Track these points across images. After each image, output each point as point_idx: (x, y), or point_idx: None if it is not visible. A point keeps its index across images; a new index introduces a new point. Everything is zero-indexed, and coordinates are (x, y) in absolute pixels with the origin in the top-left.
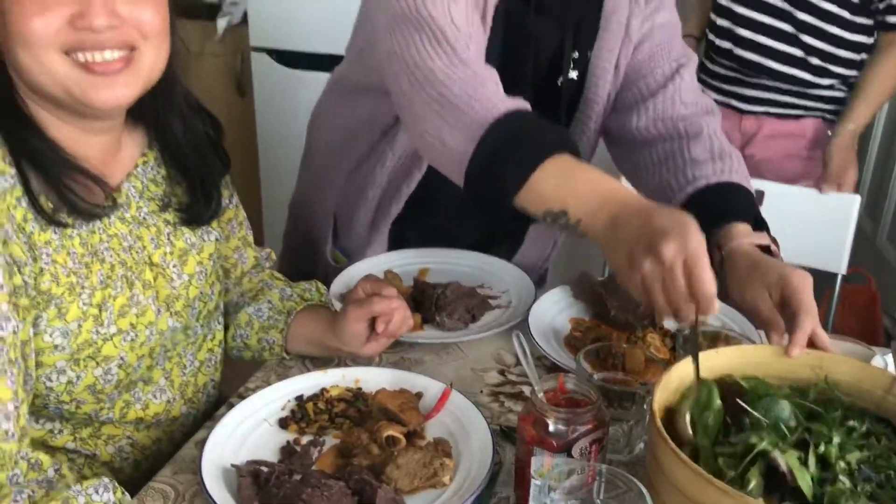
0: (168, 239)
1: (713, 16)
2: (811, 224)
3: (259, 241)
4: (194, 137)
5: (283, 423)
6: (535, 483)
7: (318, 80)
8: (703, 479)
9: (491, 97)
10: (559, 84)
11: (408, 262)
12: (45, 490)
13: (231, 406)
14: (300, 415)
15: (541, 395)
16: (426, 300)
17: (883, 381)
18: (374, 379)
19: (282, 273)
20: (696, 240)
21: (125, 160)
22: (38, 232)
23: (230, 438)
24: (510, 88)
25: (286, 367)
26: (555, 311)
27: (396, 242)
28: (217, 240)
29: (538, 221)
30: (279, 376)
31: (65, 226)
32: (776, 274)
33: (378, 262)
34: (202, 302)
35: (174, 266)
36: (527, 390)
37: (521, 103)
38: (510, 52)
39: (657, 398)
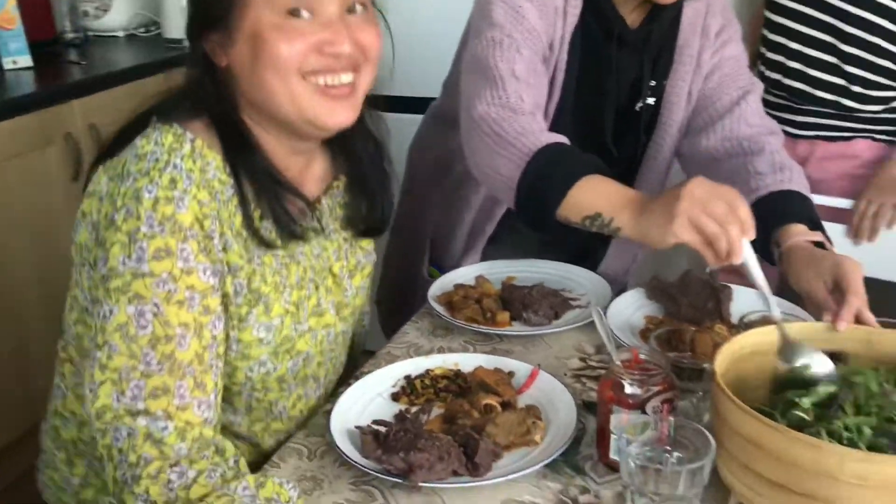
0: (346, 254)
1: (763, 49)
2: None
3: None
4: (374, 161)
5: (395, 397)
6: (614, 438)
7: (414, 123)
8: (751, 416)
9: (536, 133)
10: (638, 109)
11: (497, 270)
12: (233, 472)
13: (349, 385)
14: (409, 389)
15: (618, 362)
16: (514, 299)
17: None
18: (470, 362)
19: (380, 292)
20: (710, 182)
21: (316, 177)
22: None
23: (352, 408)
24: (594, 112)
25: (394, 357)
26: (631, 310)
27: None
28: (373, 263)
29: (581, 230)
30: (388, 363)
31: (276, 248)
32: (829, 263)
33: (471, 270)
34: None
35: (348, 278)
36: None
37: (561, 138)
38: (592, 77)
39: (718, 361)
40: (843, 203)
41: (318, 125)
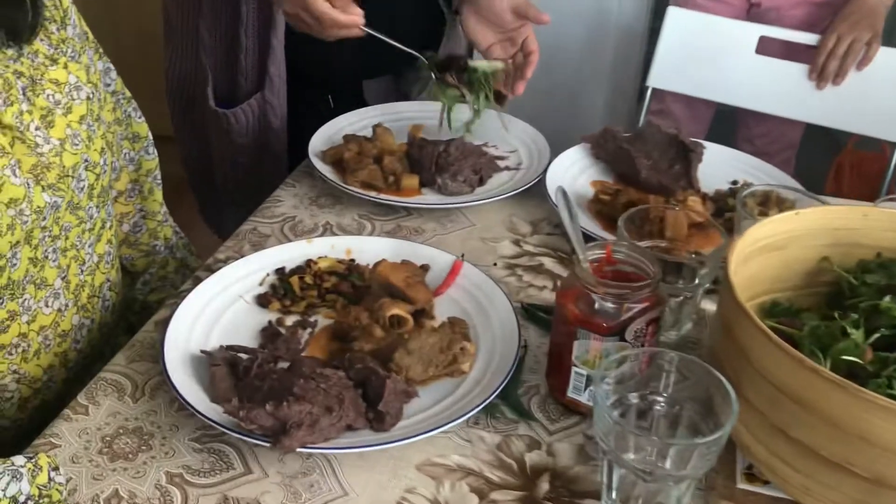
0: (23, 94)
1: None
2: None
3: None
4: None
5: (263, 301)
6: (577, 371)
7: None
8: (803, 366)
9: None
10: None
11: (397, 116)
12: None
13: (199, 281)
14: (283, 290)
15: (586, 265)
16: (425, 159)
17: None
18: (369, 248)
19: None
20: None
21: None
22: None
23: (199, 319)
24: None
25: (262, 236)
26: (574, 172)
27: (299, 80)
28: (89, 98)
29: None
30: (254, 246)
31: None
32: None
33: (364, 113)
34: (92, 173)
35: (36, 129)
36: (548, 262)
37: None
38: None
39: (733, 266)
40: (806, 38)
41: None
